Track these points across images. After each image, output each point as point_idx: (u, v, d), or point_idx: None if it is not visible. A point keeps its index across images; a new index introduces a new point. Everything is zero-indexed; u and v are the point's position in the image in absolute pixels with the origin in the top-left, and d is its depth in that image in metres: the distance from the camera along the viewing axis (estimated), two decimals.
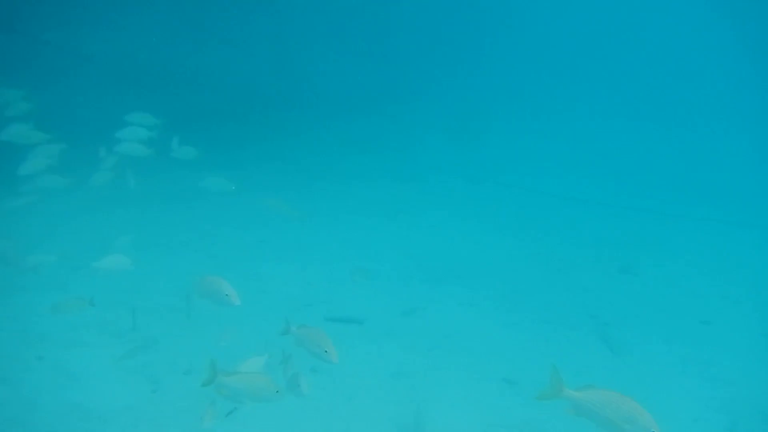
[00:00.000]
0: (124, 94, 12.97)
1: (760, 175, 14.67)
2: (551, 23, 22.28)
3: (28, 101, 7.53)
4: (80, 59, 15.20)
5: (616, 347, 6.74)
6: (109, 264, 5.74)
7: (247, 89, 16.22)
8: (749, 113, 18.79)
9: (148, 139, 7.27)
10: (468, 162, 13.89)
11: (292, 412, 5.09)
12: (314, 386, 4.84)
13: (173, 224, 9.11)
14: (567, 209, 11.78)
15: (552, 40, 21.71)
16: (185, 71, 16.15)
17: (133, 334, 6.20)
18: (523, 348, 6.69)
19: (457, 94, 18.39)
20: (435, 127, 15.86)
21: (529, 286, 8.20)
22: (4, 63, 12.73)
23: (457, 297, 7.80)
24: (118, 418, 5.03)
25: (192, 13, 17.55)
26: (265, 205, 8.63)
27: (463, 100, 17.99)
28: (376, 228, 9.91)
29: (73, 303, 5.61)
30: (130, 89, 13.40)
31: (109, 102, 11.93)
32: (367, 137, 15.04)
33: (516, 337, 6.93)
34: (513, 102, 18.39)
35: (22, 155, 6.95)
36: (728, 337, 7.10)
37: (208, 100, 15.13)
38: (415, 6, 20.82)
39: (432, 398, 5.67)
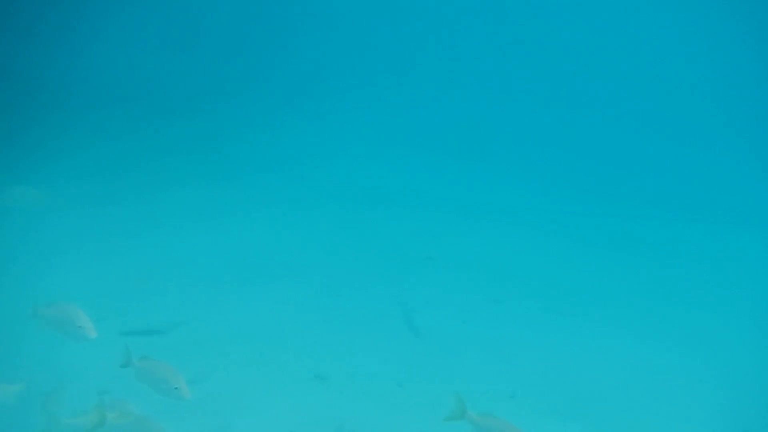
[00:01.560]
0: None
1: (573, 166, 16.06)
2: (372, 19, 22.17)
3: None
4: None
5: (420, 331, 7.23)
6: None
7: (39, 88, 14.28)
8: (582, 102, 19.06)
9: None
10: (284, 159, 13.80)
11: None
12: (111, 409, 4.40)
13: None
14: (382, 204, 12.27)
15: (366, 26, 21.68)
16: None
17: None
18: (336, 342, 6.84)
19: (271, 87, 18.10)
20: (250, 123, 15.48)
21: (345, 280, 8.39)
22: None
23: (271, 296, 7.70)
24: None
25: None
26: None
27: (277, 93, 17.77)
28: (188, 232, 9.39)
29: None
30: None
31: None
32: (180, 137, 14.16)
33: (330, 332, 7.05)
34: (329, 94, 18.50)
35: None
36: (514, 313, 8.00)
37: None
38: None
39: (242, 402, 5.55)
